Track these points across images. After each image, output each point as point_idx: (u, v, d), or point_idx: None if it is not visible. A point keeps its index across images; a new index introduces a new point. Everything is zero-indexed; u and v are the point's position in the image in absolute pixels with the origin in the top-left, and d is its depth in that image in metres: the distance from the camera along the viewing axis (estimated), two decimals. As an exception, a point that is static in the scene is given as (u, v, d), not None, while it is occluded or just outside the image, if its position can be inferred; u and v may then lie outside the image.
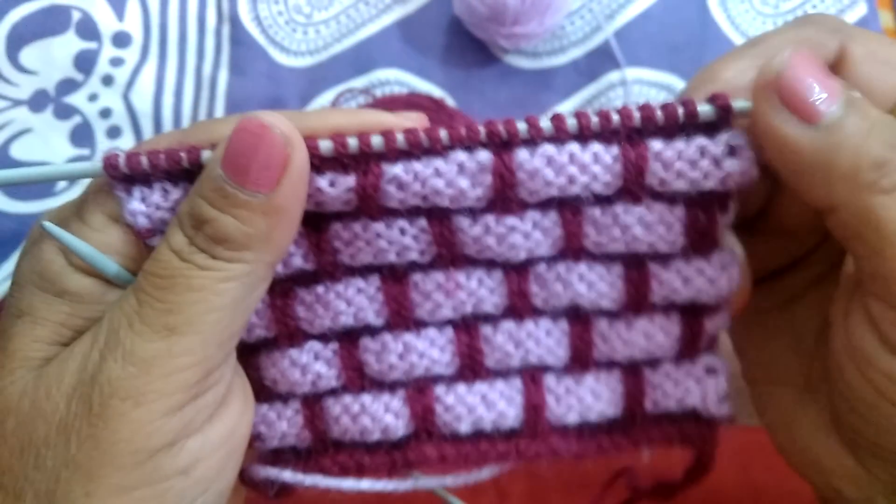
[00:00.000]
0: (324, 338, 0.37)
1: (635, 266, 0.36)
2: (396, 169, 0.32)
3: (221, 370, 0.32)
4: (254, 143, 0.29)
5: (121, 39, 0.87)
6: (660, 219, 0.34)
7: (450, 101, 0.82)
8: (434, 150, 0.32)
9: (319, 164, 0.32)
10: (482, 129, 0.32)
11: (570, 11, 0.85)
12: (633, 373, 0.38)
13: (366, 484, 0.37)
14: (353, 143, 0.32)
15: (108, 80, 0.85)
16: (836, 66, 0.33)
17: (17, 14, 0.87)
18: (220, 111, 0.84)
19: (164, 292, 0.29)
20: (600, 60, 0.85)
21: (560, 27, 0.85)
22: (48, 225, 0.31)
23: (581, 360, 0.38)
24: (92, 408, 0.29)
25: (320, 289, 0.36)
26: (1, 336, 0.32)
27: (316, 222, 0.34)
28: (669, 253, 0.35)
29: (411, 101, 0.77)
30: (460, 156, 0.32)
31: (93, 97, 0.84)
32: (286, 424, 0.37)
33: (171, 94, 0.85)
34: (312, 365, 0.37)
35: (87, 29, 0.86)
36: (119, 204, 0.32)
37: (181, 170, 0.32)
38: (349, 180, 0.32)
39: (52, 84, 0.85)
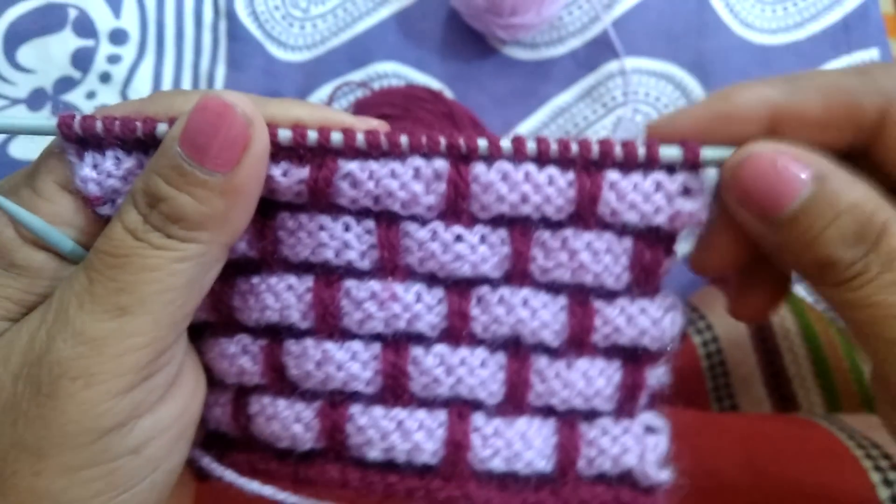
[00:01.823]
0: (253, 332, 0.36)
1: (580, 299, 0.35)
2: (352, 165, 0.32)
3: (173, 350, 0.32)
4: (214, 122, 0.29)
5: (118, 36, 0.86)
6: (607, 248, 0.33)
7: (448, 94, 0.82)
8: (392, 153, 0.32)
9: (276, 152, 0.32)
10: (442, 140, 0.32)
11: (567, 1, 0.85)
12: (568, 424, 0.36)
13: (268, 491, 0.35)
14: (312, 135, 0.31)
15: (105, 78, 0.85)
16: (875, 130, 0.31)
17: (13, 13, 0.87)
18: (218, 107, 0.84)
19: (117, 271, 0.29)
20: (599, 50, 0.84)
21: (558, 17, 0.85)
22: None
23: (515, 399, 0.36)
24: (40, 388, 0.28)
25: (255, 279, 0.35)
26: None
27: (265, 209, 0.34)
28: (614, 288, 0.34)
29: (409, 94, 0.77)
30: (417, 161, 0.32)
31: (91, 95, 0.84)
32: (220, 411, 0.37)
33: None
34: (239, 358, 0.36)
35: (84, 26, 0.86)
36: (70, 171, 0.31)
37: (135, 139, 0.31)
38: (303, 172, 0.32)
39: (49, 82, 0.85)
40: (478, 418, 0.35)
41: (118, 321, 0.28)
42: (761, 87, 0.32)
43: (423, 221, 0.33)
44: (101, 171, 0.31)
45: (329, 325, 0.35)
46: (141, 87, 0.84)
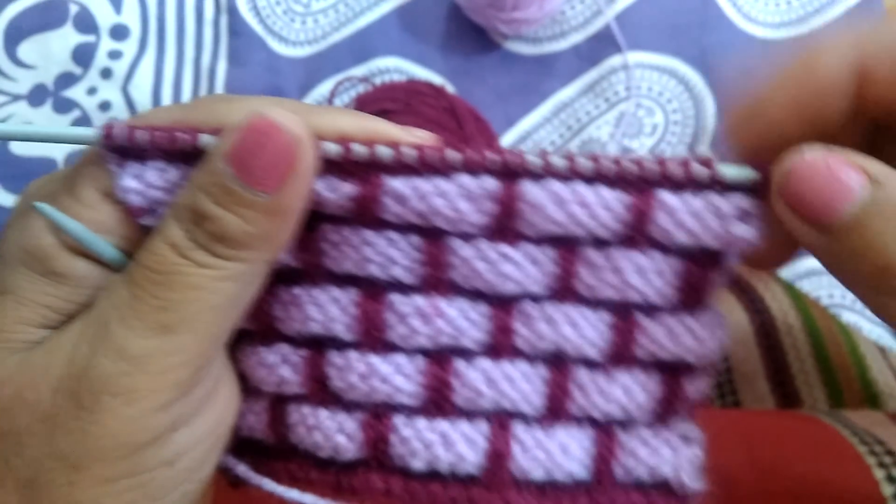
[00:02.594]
0: (294, 342, 0.35)
1: (623, 315, 0.34)
2: (398, 183, 0.31)
3: (212, 364, 0.32)
4: (263, 142, 0.28)
5: (119, 32, 0.86)
6: (655, 268, 0.33)
7: (450, 89, 0.82)
8: (440, 169, 0.31)
9: (321, 166, 0.31)
10: (492, 156, 0.31)
11: (570, -4, 0.84)
12: (606, 433, 0.36)
13: (309, 499, 0.35)
14: (359, 150, 0.30)
15: (106, 73, 0.85)
16: None
17: (14, 8, 0.87)
18: (219, 103, 0.84)
19: (160, 288, 0.28)
20: (602, 45, 0.84)
21: (560, 12, 0.85)
22: (41, 206, 0.30)
23: (555, 410, 0.35)
24: (80, 402, 0.28)
25: (297, 290, 0.34)
26: None
27: (306, 220, 0.33)
28: (659, 305, 0.34)
29: (411, 89, 0.76)
30: (465, 179, 0.31)
31: (92, 91, 0.84)
32: (254, 419, 0.36)
33: (169, 86, 0.85)
34: (279, 367, 0.35)
35: (85, 22, 0.86)
36: (112, 179, 0.31)
37: (178, 150, 0.30)
38: (349, 187, 0.31)
39: (50, 78, 0.84)
40: (519, 428, 0.36)
41: (161, 339, 0.28)
42: (846, 47, 0.29)
43: (470, 238, 0.33)
44: (143, 181, 0.31)
45: (373, 338, 0.34)
46: (142, 83, 0.84)
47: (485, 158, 0.31)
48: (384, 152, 0.31)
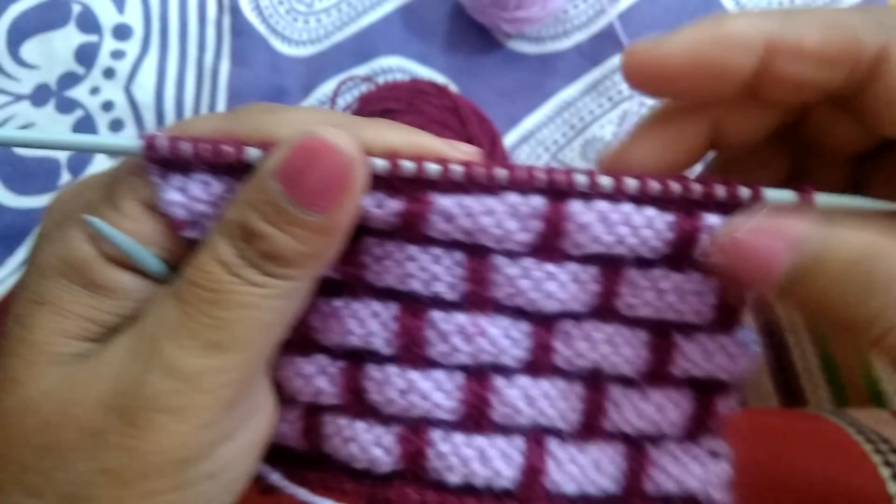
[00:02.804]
0: (332, 353, 0.35)
1: (661, 334, 0.35)
2: (446, 201, 0.31)
3: (256, 380, 0.32)
4: (316, 162, 0.28)
5: (121, 32, 0.86)
6: (694, 287, 0.33)
7: (453, 88, 0.82)
8: (488, 187, 0.31)
9: (369, 181, 0.31)
10: (540, 174, 0.31)
11: (573, -5, 0.84)
12: (637, 448, 0.36)
13: None
14: (408, 166, 0.30)
15: (109, 73, 0.85)
16: (873, 68, 0.30)
17: (17, 8, 0.87)
18: (222, 102, 0.84)
19: (212, 307, 0.28)
20: (605, 44, 0.84)
21: (563, 11, 0.85)
22: (91, 219, 0.29)
23: (590, 427, 0.36)
24: (129, 419, 0.28)
25: (338, 302, 0.34)
26: (17, 323, 0.30)
27: (350, 233, 0.33)
28: (696, 324, 0.34)
29: (414, 88, 0.76)
30: (513, 197, 0.31)
31: (94, 90, 0.84)
32: (287, 427, 0.36)
33: (172, 86, 0.85)
34: (315, 378, 0.35)
35: (88, 22, 0.86)
36: (153, 191, 0.30)
37: (223, 164, 0.30)
38: (396, 203, 0.31)
39: (53, 78, 0.84)
40: (553, 444, 0.36)
41: (212, 358, 0.28)
42: (757, 17, 0.31)
43: (514, 256, 0.33)
44: (187, 194, 0.30)
45: (413, 354, 0.34)
46: (145, 83, 0.84)
47: (532, 177, 0.31)
48: (432, 169, 0.30)
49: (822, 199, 0.31)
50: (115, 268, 0.30)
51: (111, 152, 0.31)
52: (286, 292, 0.29)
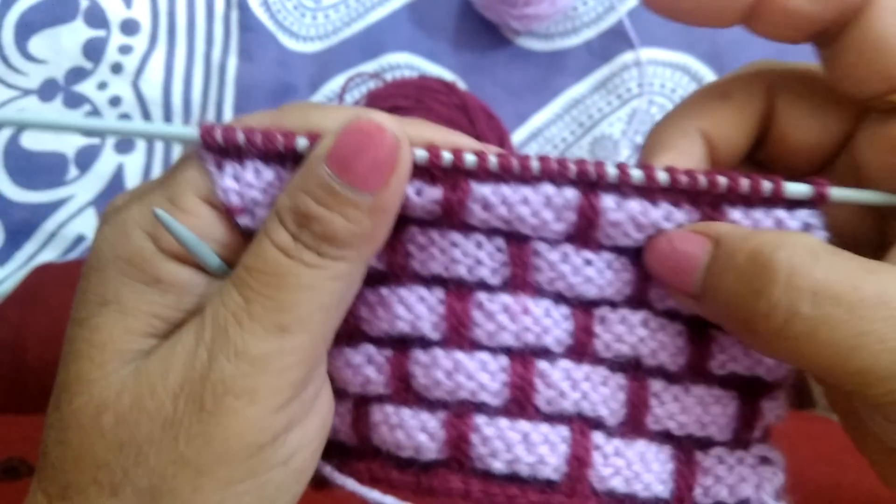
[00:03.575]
0: (379, 342, 0.36)
1: (696, 326, 0.35)
2: (485, 189, 0.32)
3: (320, 364, 0.32)
4: (366, 143, 0.29)
5: (129, 27, 0.86)
6: None
7: (461, 85, 0.82)
8: (522, 178, 0.32)
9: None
10: (572, 166, 0.32)
11: (582, -9, 0.84)
12: (684, 451, 0.36)
13: (390, 500, 0.36)
14: (446, 156, 0.32)
15: (117, 68, 0.85)
16: (860, 12, 0.30)
17: (25, 3, 0.87)
18: (229, 98, 0.84)
19: (275, 290, 0.29)
20: (614, 41, 0.83)
21: (572, 8, 0.84)
22: (160, 213, 0.30)
23: (634, 420, 0.36)
24: (203, 406, 0.29)
25: (384, 290, 0.35)
26: (81, 326, 0.31)
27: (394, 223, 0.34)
28: None
29: (422, 85, 0.76)
30: (548, 189, 0.33)
31: (102, 85, 0.84)
32: (338, 420, 0.37)
33: (180, 81, 0.85)
34: (364, 367, 0.36)
35: (96, 17, 0.86)
36: (209, 184, 0.32)
37: (275, 152, 0.31)
38: (436, 192, 0.32)
39: (61, 73, 0.84)
40: (598, 437, 0.36)
41: (278, 340, 0.29)
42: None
43: (553, 242, 0.34)
44: (241, 181, 0.32)
45: (460, 335, 0.35)
46: (152, 78, 0.84)
47: (566, 168, 0.32)
48: (469, 159, 0.32)
49: (836, 192, 0.32)
50: (175, 263, 0.31)
51: (168, 139, 0.33)
52: (342, 273, 0.30)
